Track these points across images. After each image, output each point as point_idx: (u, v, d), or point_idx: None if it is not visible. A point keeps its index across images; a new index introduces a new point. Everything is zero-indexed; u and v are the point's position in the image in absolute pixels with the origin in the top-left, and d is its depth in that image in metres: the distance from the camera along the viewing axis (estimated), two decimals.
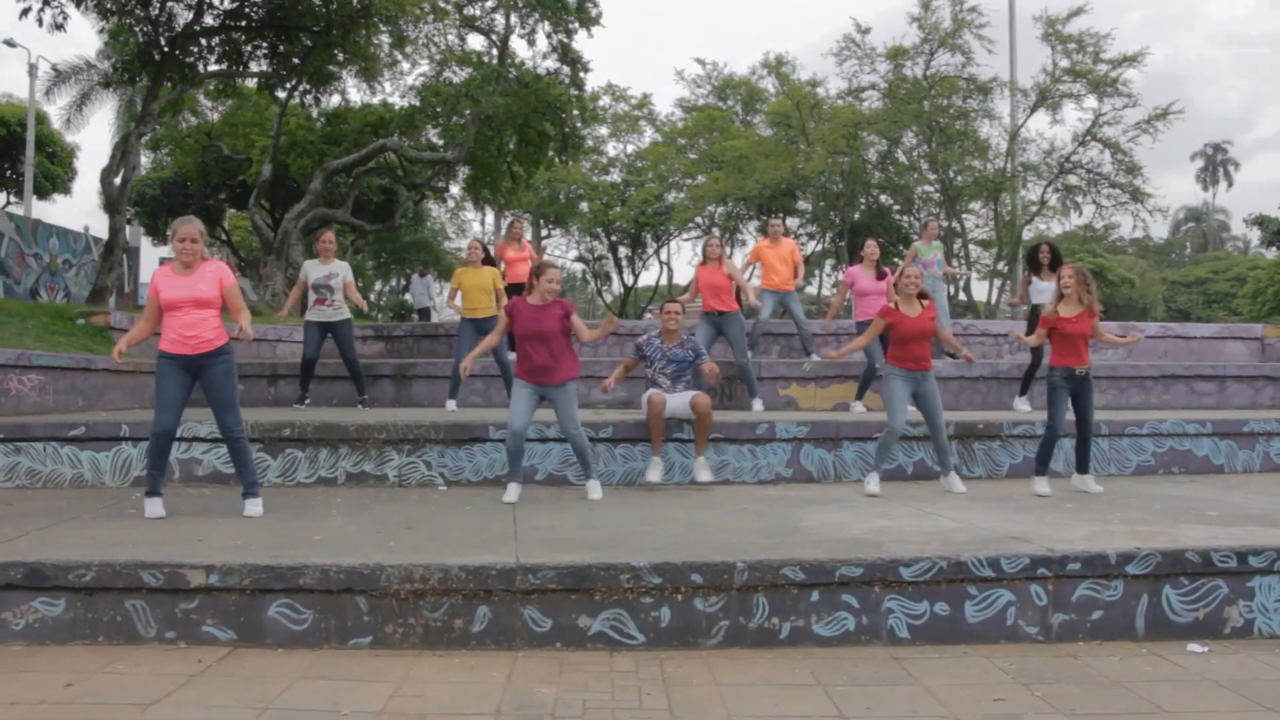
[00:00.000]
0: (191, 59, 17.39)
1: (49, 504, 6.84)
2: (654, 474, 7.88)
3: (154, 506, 6.31)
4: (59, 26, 15.13)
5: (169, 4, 16.70)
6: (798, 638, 4.99)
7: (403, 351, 14.01)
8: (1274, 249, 38.86)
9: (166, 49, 16.26)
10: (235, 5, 17.33)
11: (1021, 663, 4.75)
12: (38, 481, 7.70)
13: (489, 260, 10.92)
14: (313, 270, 10.54)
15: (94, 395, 10.09)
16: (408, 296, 29.04)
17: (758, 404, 10.55)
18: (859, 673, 4.57)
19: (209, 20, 17.08)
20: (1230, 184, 75.55)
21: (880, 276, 10.84)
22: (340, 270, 10.57)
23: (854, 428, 8.44)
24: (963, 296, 32.93)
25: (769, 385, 11.17)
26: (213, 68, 18.17)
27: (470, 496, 7.44)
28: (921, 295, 7.87)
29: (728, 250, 11.21)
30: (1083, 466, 7.83)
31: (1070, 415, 7.75)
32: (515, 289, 12.69)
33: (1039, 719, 3.97)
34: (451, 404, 10.50)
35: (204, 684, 4.31)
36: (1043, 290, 10.64)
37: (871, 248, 11.31)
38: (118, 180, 15.65)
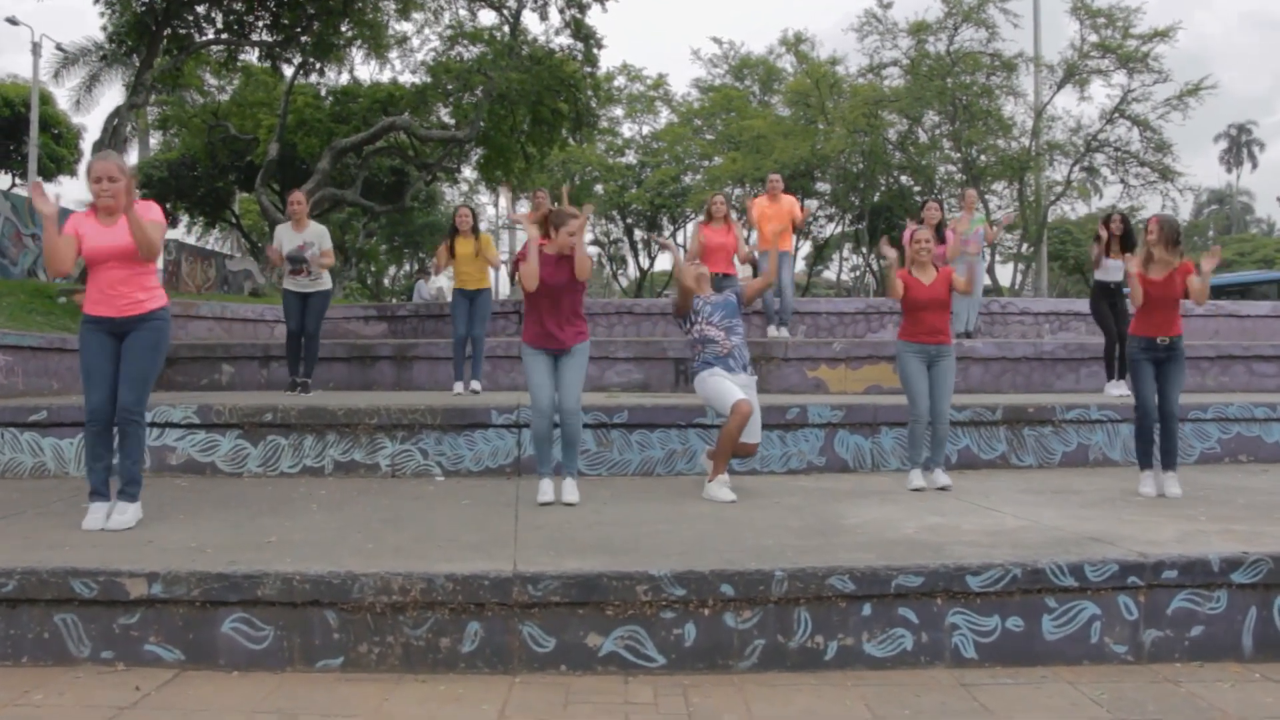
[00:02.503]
0: (188, 29, 16.64)
1: None
2: (726, 493, 6.39)
3: (95, 515, 5.20)
4: None
5: None
6: (846, 659, 4.21)
7: (406, 332, 13.28)
8: None
9: (161, 18, 15.52)
10: None
11: (1115, 689, 3.98)
12: None
13: (477, 228, 10.01)
14: (286, 239, 9.52)
15: (70, 378, 9.37)
16: (416, 298, 28.77)
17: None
18: (923, 704, 3.80)
19: None
20: (1255, 165, 74.04)
21: (941, 241, 10.03)
22: (315, 238, 9.47)
23: (893, 412, 7.65)
24: (986, 280, 32.01)
25: (795, 366, 10.37)
26: (209, 37, 17.40)
27: (469, 488, 6.70)
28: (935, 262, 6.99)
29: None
30: (1167, 461, 6.60)
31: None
32: None
33: None
34: (458, 386, 9.63)
35: (135, 719, 3.59)
36: (1107, 268, 9.69)
37: (932, 210, 10.54)
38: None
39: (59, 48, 30.66)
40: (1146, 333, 6.59)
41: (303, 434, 7.20)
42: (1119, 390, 9.61)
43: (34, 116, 31.03)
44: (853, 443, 7.62)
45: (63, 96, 33.92)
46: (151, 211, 5.35)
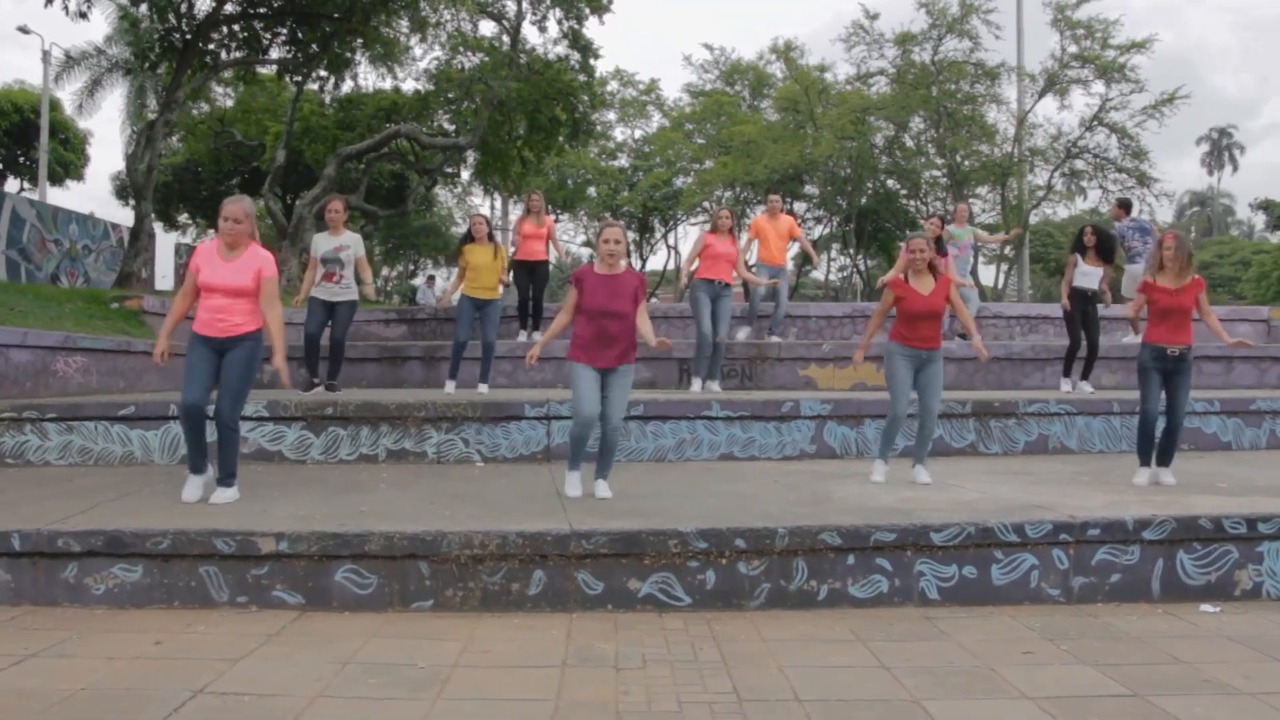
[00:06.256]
0: (213, 46, 17.63)
1: (106, 480, 7.14)
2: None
3: (191, 487, 6.21)
4: (83, 15, 15.36)
5: None
6: (835, 599, 5.29)
7: (426, 334, 14.28)
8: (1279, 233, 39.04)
9: (189, 37, 16.50)
10: None
11: (1046, 621, 5.05)
12: (89, 459, 7.99)
13: (492, 235, 10.58)
14: (321, 243, 9.88)
15: (133, 377, 10.39)
16: (419, 299, 30.10)
17: (714, 385, 10.44)
18: (895, 630, 4.88)
19: (230, 8, 17.30)
20: (1235, 168, 75.73)
21: (942, 254, 10.96)
22: (351, 243, 9.89)
23: (876, 406, 8.71)
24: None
25: (788, 365, 11.46)
26: (233, 55, 18.40)
27: (507, 472, 7.73)
28: (932, 268, 7.12)
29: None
30: (1163, 458, 7.16)
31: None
32: (528, 266, 12.75)
33: (1065, 669, 4.27)
34: (450, 385, 10.22)
35: (283, 642, 4.62)
36: (1087, 274, 10.63)
37: (934, 225, 11.53)
38: (144, 166, 15.91)
39: (67, 55, 31.62)
40: (1159, 341, 6.99)
41: (359, 425, 8.22)
42: (1067, 387, 10.68)
43: (44, 123, 31.96)
44: (840, 433, 8.68)
45: (66, 100, 34.87)
46: (267, 265, 6.24)
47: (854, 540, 5.28)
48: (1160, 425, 7.22)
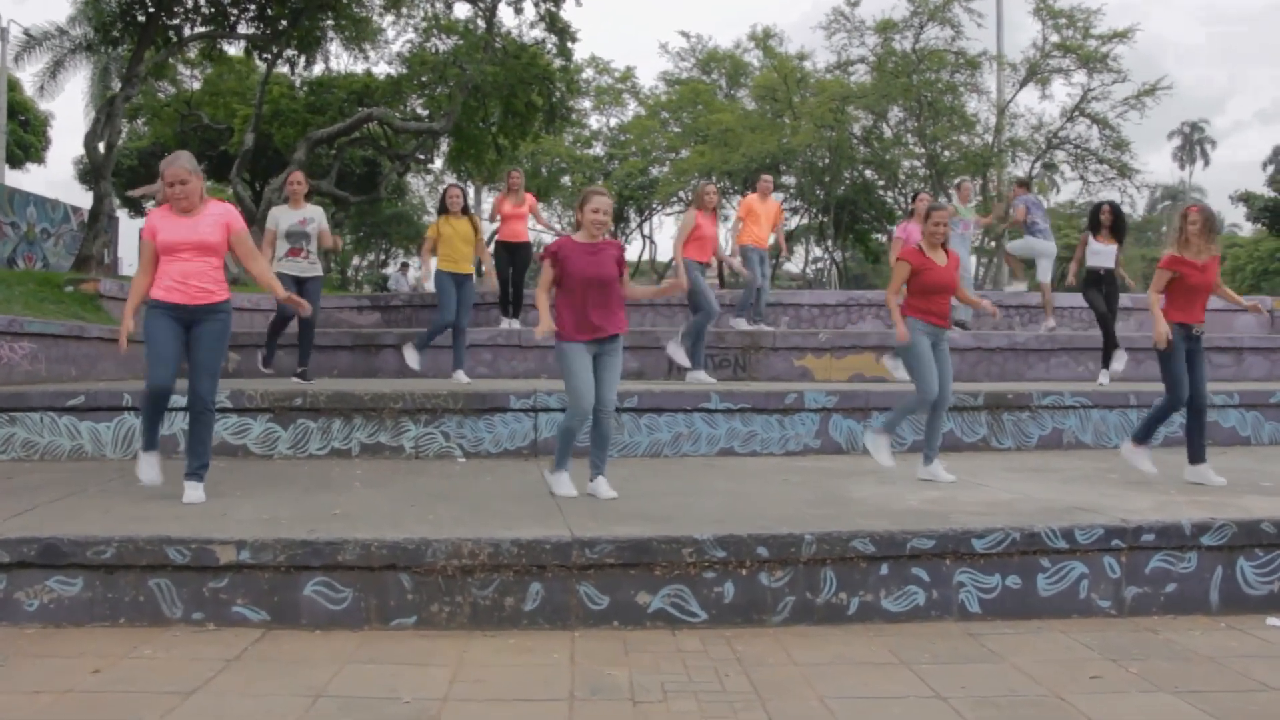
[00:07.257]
0: (176, 21, 16.86)
1: (51, 477, 6.50)
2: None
3: (148, 468, 5.76)
4: None
5: None
6: (866, 614, 4.74)
7: (399, 321, 13.64)
8: (1259, 225, 38.94)
9: (152, 11, 15.73)
10: None
11: (1101, 637, 4.53)
12: (35, 453, 7.34)
13: (467, 210, 9.92)
14: (284, 217, 9.19)
15: (87, 364, 9.70)
16: (391, 286, 29.47)
17: (695, 374, 9.75)
18: (939, 649, 4.33)
19: None
20: (1207, 163, 75.70)
21: None
22: (315, 215, 9.27)
23: (884, 398, 8.17)
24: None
25: (783, 355, 10.91)
26: (198, 30, 17.62)
27: (492, 469, 7.15)
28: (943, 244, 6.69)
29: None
30: (1197, 454, 6.66)
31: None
32: (509, 248, 12.12)
33: (1144, 698, 3.74)
34: (414, 357, 9.56)
35: (243, 669, 4.02)
36: (1098, 252, 10.19)
37: (924, 201, 11.04)
38: (102, 146, 15.15)
39: (26, 33, 30.56)
40: (1184, 320, 6.57)
41: (331, 418, 7.60)
42: (1106, 380, 10.08)
43: (1, 103, 30.90)
44: (846, 427, 8.13)
45: (27, 81, 33.74)
46: (233, 218, 5.66)
47: (888, 548, 4.72)
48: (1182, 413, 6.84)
